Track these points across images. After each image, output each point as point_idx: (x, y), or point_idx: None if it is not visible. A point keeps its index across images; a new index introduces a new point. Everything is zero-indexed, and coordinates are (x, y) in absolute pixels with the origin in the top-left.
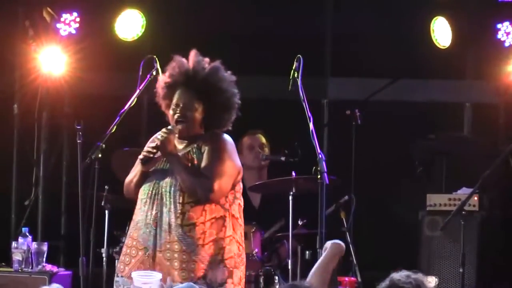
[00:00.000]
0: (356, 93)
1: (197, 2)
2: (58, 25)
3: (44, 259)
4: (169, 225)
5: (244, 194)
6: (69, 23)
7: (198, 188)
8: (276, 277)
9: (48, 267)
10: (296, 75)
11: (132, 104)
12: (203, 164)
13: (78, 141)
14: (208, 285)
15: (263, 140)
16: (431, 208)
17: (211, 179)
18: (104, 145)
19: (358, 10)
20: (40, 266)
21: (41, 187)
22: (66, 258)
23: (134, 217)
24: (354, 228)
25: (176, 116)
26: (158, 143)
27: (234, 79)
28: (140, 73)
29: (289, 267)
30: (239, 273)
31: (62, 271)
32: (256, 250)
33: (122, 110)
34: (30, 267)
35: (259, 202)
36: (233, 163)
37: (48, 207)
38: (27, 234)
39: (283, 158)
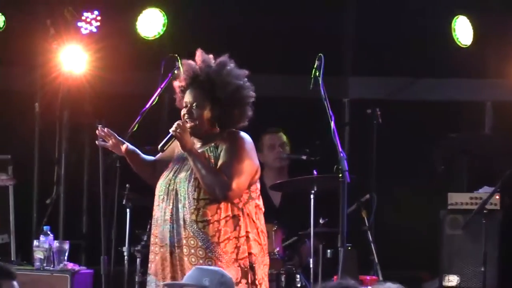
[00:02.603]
0: (377, 92)
1: (217, 1)
2: (79, 24)
3: (66, 258)
4: (184, 220)
5: (265, 193)
6: (90, 21)
7: (216, 186)
8: (298, 276)
9: (70, 265)
10: (317, 73)
11: (154, 103)
12: (220, 162)
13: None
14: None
15: (284, 138)
16: (453, 207)
17: (230, 178)
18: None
19: (379, 8)
20: (61, 265)
21: (63, 186)
22: (87, 256)
23: (153, 213)
24: (375, 227)
25: (183, 115)
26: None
27: (244, 72)
28: (162, 71)
29: (311, 266)
30: (260, 272)
31: (83, 269)
32: (278, 249)
33: (144, 109)
34: (52, 266)
35: (280, 201)
36: (251, 162)
37: (70, 206)
38: (49, 232)
39: (304, 157)
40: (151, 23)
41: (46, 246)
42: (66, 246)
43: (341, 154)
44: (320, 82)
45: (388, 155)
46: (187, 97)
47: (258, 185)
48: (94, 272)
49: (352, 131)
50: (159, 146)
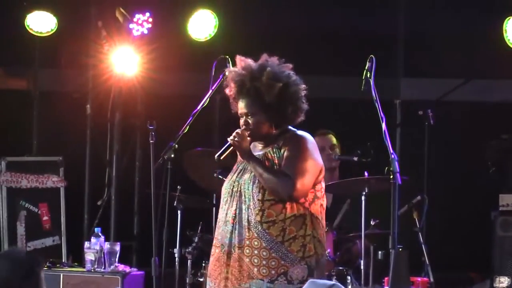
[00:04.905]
0: (429, 94)
1: (269, 2)
2: (131, 26)
3: (117, 259)
4: (249, 221)
5: None
6: (141, 23)
7: (280, 187)
8: (349, 277)
9: (121, 267)
10: (368, 75)
11: (205, 105)
12: (284, 163)
13: (151, 141)
14: (289, 282)
15: (334, 140)
16: (504, 208)
17: (293, 178)
18: (176, 145)
19: (431, 10)
20: (112, 266)
21: (114, 187)
22: (138, 258)
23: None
24: (426, 228)
25: (241, 125)
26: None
27: (286, 69)
28: (213, 73)
29: (362, 267)
30: (321, 271)
31: (134, 271)
32: (329, 250)
33: (195, 110)
34: (103, 267)
35: (331, 202)
36: (314, 162)
37: (121, 207)
38: (100, 234)
39: (355, 158)
40: (202, 25)
41: (97, 247)
42: (117, 247)
43: (392, 156)
44: (372, 84)
45: (439, 156)
46: (240, 108)
47: (323, 184)
48: (145, 273)
49: (404, 133)
50: (215, 156)
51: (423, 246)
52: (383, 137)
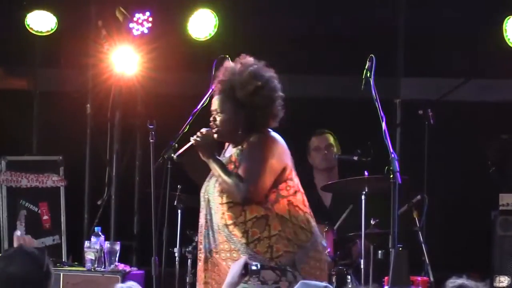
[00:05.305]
0: (429, 93)
1: (269, 2)
2: (131, 25)
3: (117, 259)
4: (218, 225)
5: (316, 194)
6: (141, 22)
7: (234, 190)
8: (349, 277)
9: (121, 266)
10: (368, 74)
11: (205, 104)
12: (240, 164)
13: (151, 140)
14: (263, 282)
15: (331, 140)
16: (504, 207)
17: (247, 180)
18: (176, 145)
19: (431, 9)
20: (112, 266)
21: (114, 187)
22: (138, 257)
23: None
24: (426, 228)
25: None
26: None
27: (269, 73)
28: (213, 73)
29: (362, 266)
30: (294, 270)
31: (134, 270)
32: (329, 249)
33: (195, 110)
34: (103, 267)
35: (330, 201)
36: (273, 161)
37: (121, 207)
38: (100, 233)
39: (355, 158)
40: (202, 24)
41: (97, 247)
42: (117, 247)
43: (392, 155)
44: (372, 83)
45: (439, 155)
46: (213, 104)
47: (292, 183)
48: (145, 273)
49: (404, 132)
50: (175, 156)
51: (423, 245)
52: (383, 136)
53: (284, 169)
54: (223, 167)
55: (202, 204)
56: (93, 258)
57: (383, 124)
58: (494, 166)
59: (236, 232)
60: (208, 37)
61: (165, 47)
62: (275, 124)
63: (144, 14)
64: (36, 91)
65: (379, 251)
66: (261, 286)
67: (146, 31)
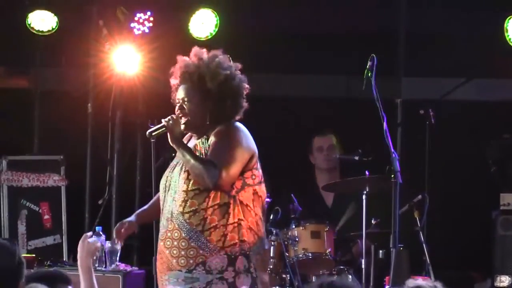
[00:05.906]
0: (430, 93)
1: (270, 2)
2: (132, 24)
3: (118, 258)
4: (172, 213)
5: (317, 194)
6: (142, 22)
7: (206, 175)
8: (350, 276)
9: (122, 266)
10: (369, 74)
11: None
12: (210, 151)
13: (152, 140)
14: (207, 272)
15: (333, 141)
16: (505, 207)
17: (218, 166)
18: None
19: (432, 9)
20: (113, 265)
21: (115, 186)
22: (139, 257)
23: None
24: (427, 227)
25: (176, 111)
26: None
27: (235, 65)
28: None
29: (363, 266)
30: (248, 260)
31: (135, 270)
32: (330, 249)
33: None
34: (104, 266)
35: (332, 201)
36: (241, 149)
37: (122, 206)
38: (101, 233)
39: (356, 158)
40: (203, 24)
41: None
42: (118, 246)
43: (393, 155)
44: (373, 83)
45: (440, 155)
46: (179, 93)
47: (257, 172)
48: (146, 272)
49: (405, 132)
50: (147, 132)
51: (424, 245)
52: (384, 136)
53: (251, 158)
54: (192, 152)
55: (163, 194)
56: (94, 257)
57: (384, 124)
58: (495, 165)
59: (193, 220)
60: (209, 37)
61: (166, 47)
62: (239, 115)
63: (145, 13)
64: (37, 91)
65: (380, 251)
66: (205, 275)
67: (147, 30)
